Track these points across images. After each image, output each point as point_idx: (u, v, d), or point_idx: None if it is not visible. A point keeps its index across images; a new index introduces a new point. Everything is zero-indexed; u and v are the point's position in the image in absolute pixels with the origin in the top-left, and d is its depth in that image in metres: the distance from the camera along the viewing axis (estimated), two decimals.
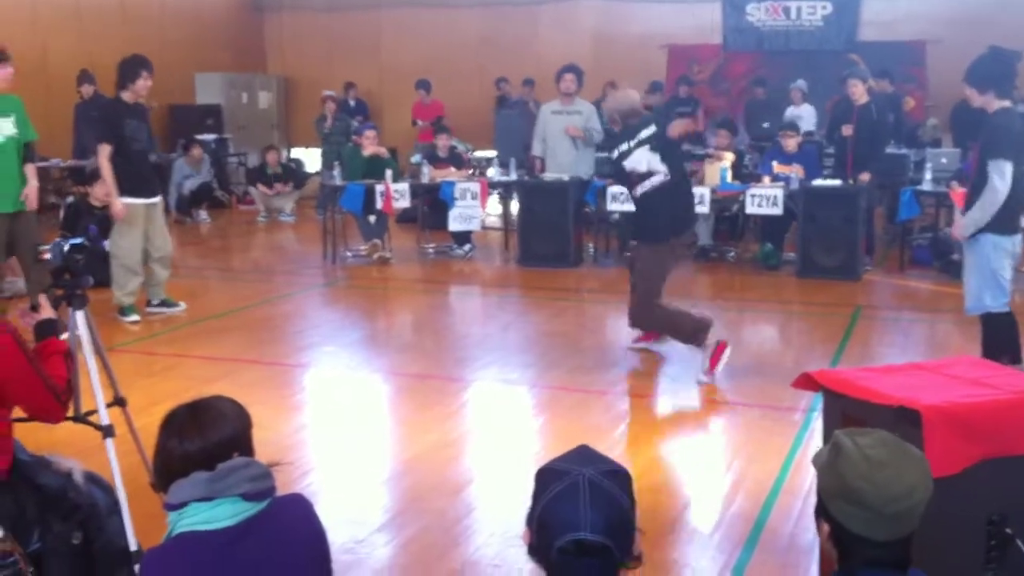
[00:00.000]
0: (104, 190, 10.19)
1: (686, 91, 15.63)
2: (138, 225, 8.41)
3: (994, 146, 5.86)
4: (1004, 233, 5.96)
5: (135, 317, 8.42)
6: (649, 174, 6.78)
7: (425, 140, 15.42)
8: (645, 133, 6.81)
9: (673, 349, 7.93)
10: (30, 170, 8.05)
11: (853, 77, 10.58)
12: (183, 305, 8.83)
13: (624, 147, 6.85)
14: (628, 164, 6.82)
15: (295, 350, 7.73)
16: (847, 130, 10.47)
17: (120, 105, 8.37)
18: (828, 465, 2.18)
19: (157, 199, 8.65)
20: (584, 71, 11.12)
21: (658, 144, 6.78)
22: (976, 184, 6.03)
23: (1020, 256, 6.35)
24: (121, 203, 8.26)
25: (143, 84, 8.30)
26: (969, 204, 6.09)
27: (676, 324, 6.89)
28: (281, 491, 2.50)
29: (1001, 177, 5.80)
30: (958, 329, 8.09)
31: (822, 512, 2.19)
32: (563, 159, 11.06)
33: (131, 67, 8.27)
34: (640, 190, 6.83)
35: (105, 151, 8.24)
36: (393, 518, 4.66)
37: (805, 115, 13.76)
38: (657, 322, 7.07)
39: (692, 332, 6.78)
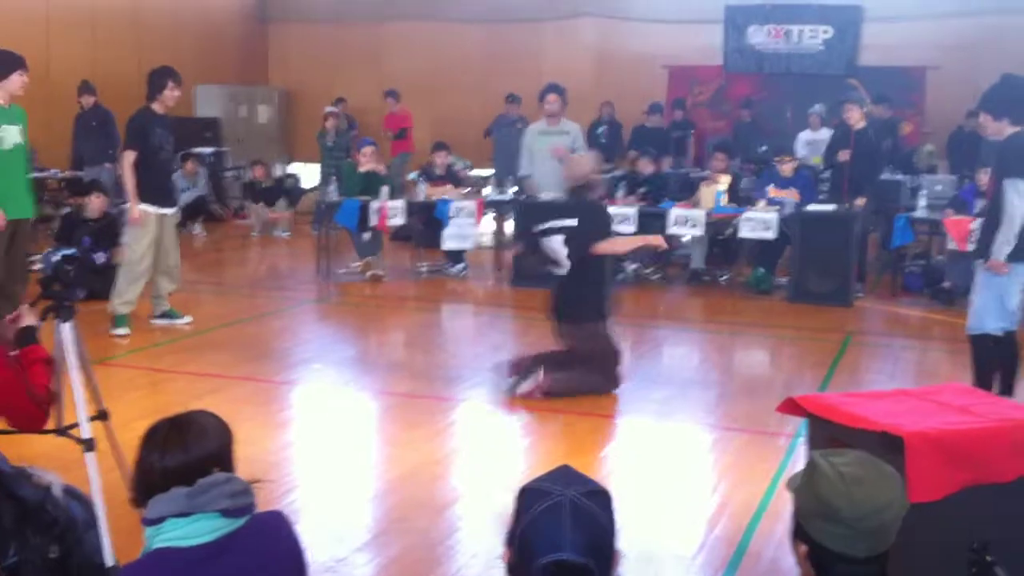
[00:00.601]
0: (101, 203, 10.25)
1: (680, 115, 15.67)
2: (149, 233, 8.47)
3: (1009, 166, 5.89)
4: (1021, 260, 5.99)
5: (125, 331, 8.38)
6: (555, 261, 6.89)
7: (396, 152, 15.47)
8: (566, 223, 6.83)
9: (661, 374, 7.94)
10: None
11: (850, 102, 10.63)
12: (188, 318, 8.84)
13: (546, 226, 6.92)
14: (545, 243, 6.91)
15: (284, 367, 7.71)
16: (844, 155, 10.50)
17: (149, 114, 8.50)
18: (804, 485, 2.19)
19: (172, 210, 8.76)
20: (566, 90, 11.09)
21: (570, 240, 6.79)
22: (992, 207, 6.06)
23: None
24: (139, 209, 8.34)
25: (170, 94, 8.45)
26: (988, 228, 6.08)
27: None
28: (265, 508, 2.50)
29: (1018, 195, 5.83)
30: (948, 357, 8.11)
31: (799, 533, 2.20)
32: (550, 179, 11.06)
33: (160, 77, 8.44)
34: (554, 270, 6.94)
35: (129, 158, 8.35)
36: (376, 537, 4.64)
37: (824, 140, 13.75)
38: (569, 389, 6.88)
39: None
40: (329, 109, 15.73)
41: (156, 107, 8.49)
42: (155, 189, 8.47)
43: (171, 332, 8.62)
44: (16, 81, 7.54)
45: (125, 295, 8.43)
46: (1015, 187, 5.85)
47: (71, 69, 14.84)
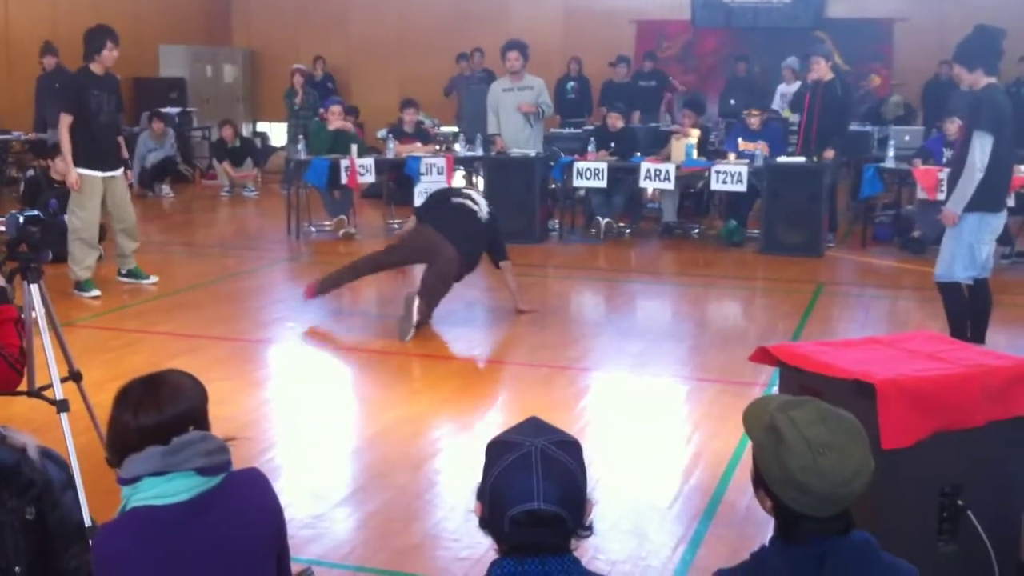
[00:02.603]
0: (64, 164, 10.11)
1: (650, 66, 15.64)
2: (94, 198, 8.30)
3: (979, 119, 5.93)
4: (991, 211, 6.06)
5: (95, 292, 8.31)
6: None
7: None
8: None
9: (635, 327, 7.98)
10: None
11: (816, 55, 10.63)
12: (154, 278, 8.77)
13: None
14: None
15: (258, 326, 7.69)
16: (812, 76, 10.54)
17: (86, 76, 8.27)
18: (770, 451, 2.13)
19: (117, 172, 8.51)
20: (528, 45, 11.07)
21: None
22: (959, 158, 6.11)
23: (999, 232, 6.44)
24: (76, 174, 8.16)
25: (109, 55, 8.19)
26: (952, 177, 6.16)
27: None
28: (242, 466, 2.49)
29: (982, 149, 5.88)
30: (919, 305, 8.19)
31: (763, 487, 2.18)
32: (516, 136, 11.06)
33: (97, 37, 8.18)
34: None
35: (65, 121, 8.14)
36: (354, 493, 4.66)
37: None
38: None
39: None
40: (297, 67, 15.56)
41: (94, 68, 8.22)
42: (94, 152, 8.22)
43: (142, 293, 8.56)
44: None
45: (83, 261, 8.32)
46: (981, 141, 5.89)
47: (31, 30, 14.61)
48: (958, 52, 6.13)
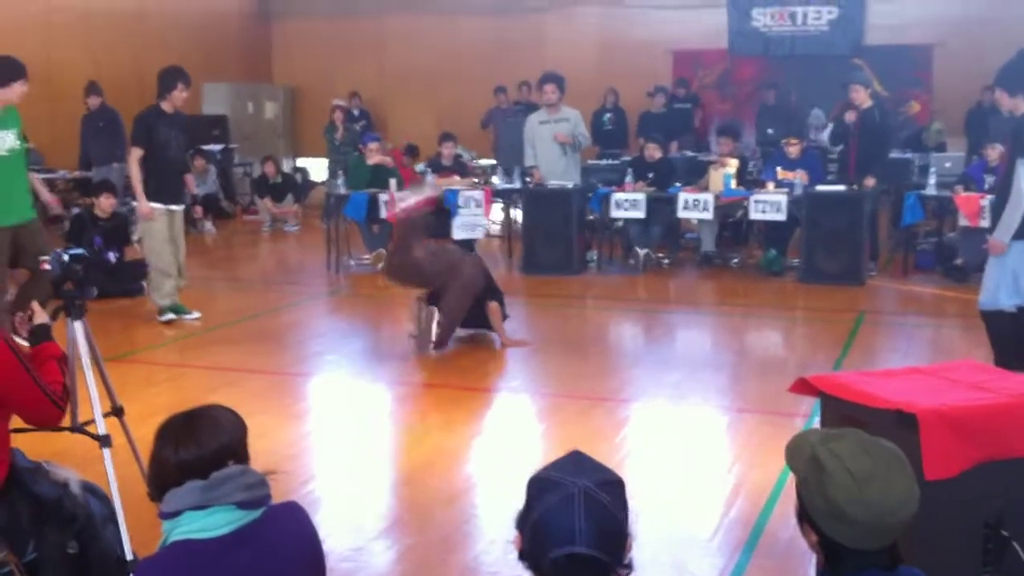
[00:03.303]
0: (110, 203, 10.29)
1: (683, 92, 15.64)
2: (162, 228, 8.62)
3: (1022, 146, 5.87)
4: None
5: (171, 316, 8.70)
6: None
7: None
8: None
9: (674, 357, 7.95)
10: (37, 180, 8.25)
11: (855, 82, 10.59)
12: (197, 313, 8.91)
13: None
14: None
15: (298, 359, 7.74)
16: (850, 115, 10.47)
17: (156, 113, 8.61)
18: (813, 483, 2.13)
19: (179, 207, 8.85)
20: (564, 78, 11.13)
21: None
22: (1003, 185, 6.04)
23: None
24: (147, 205, 8.51)
25: (179, 95, 8.57)
26: (997, 205, 6.10)
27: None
28: (281, 499, 2.50)
29: None
30: (962, 334, 8.09)
31: (807, 521, 2.16)
32: (553, 167, 11.09)
33: (170, 78, 8.58)
34: None
35: (135, 154, 8.52)
36: (392, 525, 4.66)
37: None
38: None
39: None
40: (336, 102, 15.72)
41: (165, 106, 8.60)
42: (162, 186, 8.58)
43: (185, 328, 8.64)
44: (16, 90, 7.45)
45: (162, 289, 8.70)
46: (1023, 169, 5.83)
47: (73, 70, 14.84)
48: (1000, 76, 6.08)
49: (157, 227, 8.61)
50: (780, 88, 15.61)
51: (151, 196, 8.52)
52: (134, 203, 8.92)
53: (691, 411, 6.39)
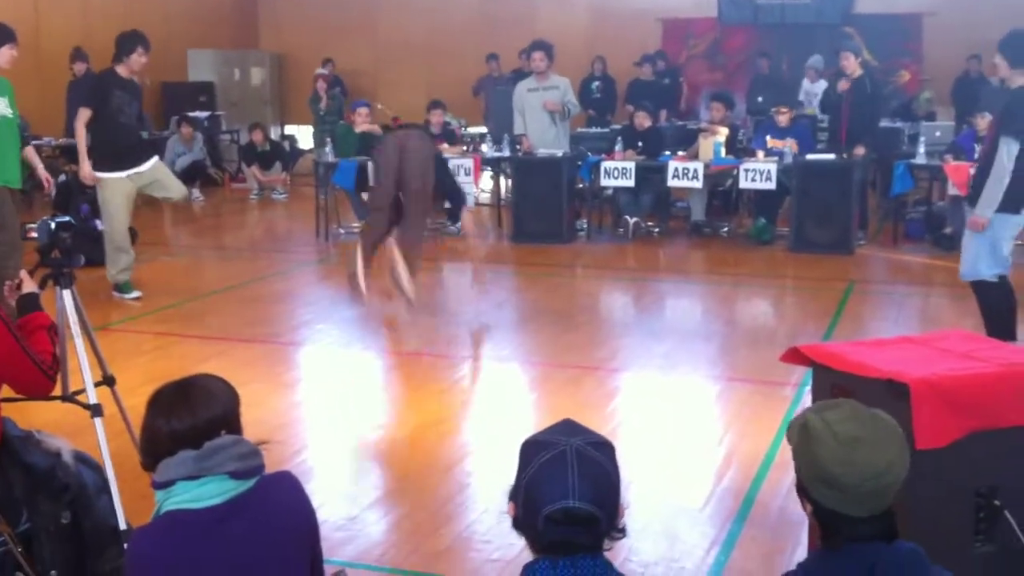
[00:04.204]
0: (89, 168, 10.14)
1: (662, 65, 15.58)
2: (119, 197, 8.25)
3: (1008, 122, 5.87)
4: (1012, 211, 5.99)
5: (136, 293, 8.39)
6: None
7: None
8: None
9: (664, 327, 7.96)
10: (33, 154, 8.07)
11: (846, 50, 10.56)
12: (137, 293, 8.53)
13: None
14: None
15: (288, 328, 7.72)
16: (844, 84, 10.44)
17: (110, 76, 8.28)
18: (802, 449, 2.16)
19: (143, 167, 8.35)
20: (553, 46, 11.07)
21: None
22: (987, 156, 6.04)
23: (1020, 228, 6.36)
24: (89, 168, 8.12)
25: (137, 60, 8.19)
26: (980, 176, 6.09)
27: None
28: (273, 468, 2.50)
29: (1008, 155, 5.82)
30: (951, 303, 8.12)
31: (803, 491, 2.18)
32: (543, 136, 11.06)
33: (128, 41, 8.20)
34: None
35: (84, 116, 8.12)
36: (386, 495, 4.67)
37: (820, 92, 13.70)
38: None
39: None
40: (319, 71, 15.62)
41: (120, 70, 8.21)
42: (112, 153, 8.18)
43: (174, 295, 8.58)
44: (5, 55, 7.37)
45: (118, 263, 8.35)
46: (1007, 146, 5.83)
47: (62, 37, 14.70)
48: (1005, 43, 6.01)
49: (113, 196, 8.19)
50: (772, 57, 15.56)
51: (107, 165, 8.13)
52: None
53: (681, 380, 6.41)
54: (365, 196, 11.44)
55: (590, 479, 2.00)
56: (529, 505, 2.03)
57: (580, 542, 2.02)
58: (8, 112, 7.48)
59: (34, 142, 13.93)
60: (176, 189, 8.67)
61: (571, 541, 2.02)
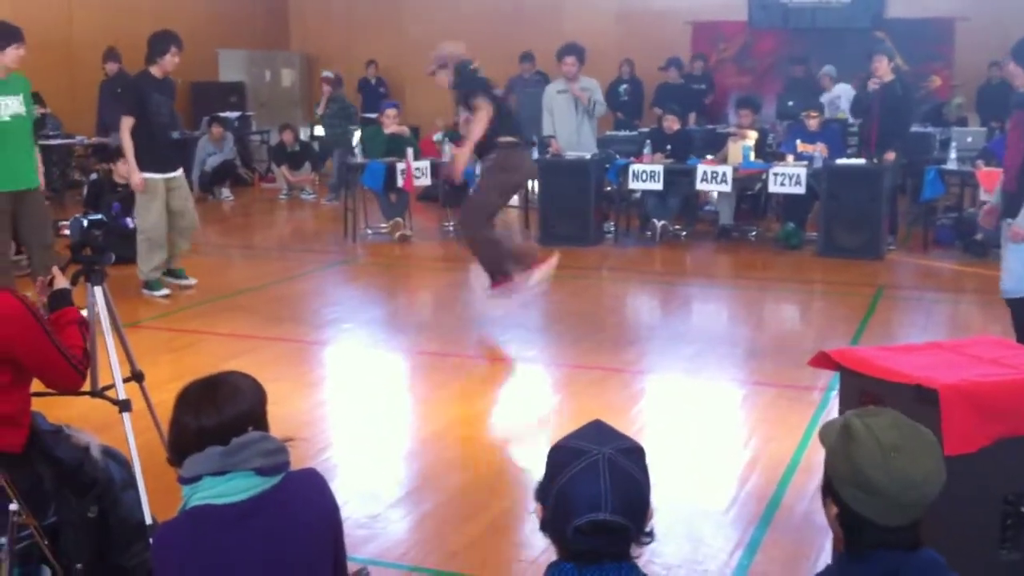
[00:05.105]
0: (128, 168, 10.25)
1: (700, 67, 15.53)
2: (158, 199, 8.38)
3: None
4: None
5: (164, 291, 8.47)
6: None
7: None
8: None
9: (691, 330, 7.92)
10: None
11: (878, 53, 10.49)
12: (193, 281, 8.81)
13: None
14: None
15: (315, 327, 7.75)
16: (874, 83, 10.34)
17: (146, 79, 8.39)
18: (840, 450, 2.13)
19: (176, 173, 8.58)
20: (584, 49, 11.04)
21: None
22: (1021, 165, 5.88)
23: None
24: (140, 176, 8.26)
25: (171, 60, 8.30)
26: (1015, 185, 5.90)
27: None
28: (298, 466, 2.51)
29: None
30: (981, 309, 8.05)
31: (830, 493, 2.16)
32: (571, 137, 11.05)
33: (161, 41, 8.29)
34: None
35: (127, 124, 8.26)
36: (409, 494, 4.68)
37: (842, 95, 13.60)
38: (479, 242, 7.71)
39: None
40: (325, 74, 15.65)
41: (154, 71, 8.33)
42: (154, 156, 8.32)
43: (202, 294, 8.64)
44: (10, 54, 7.40)
45: (152, 261, 8.44)
46: None
47: (93, 36, 14.83)
48: (1017, 50, 5.91)
49: (152, 199, 8.32)
50: (806, 62, 15.46)
51: (147, 167, 8.26)
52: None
53: (707, 384, 6.38)
54: (393, 197, 11.49)
55: (621, 490, 1.99)
56: (559, 513, 2.02)
57: (608, 550, 2.02)
58: (21, 110, 7.51)
59: (67, 141, 14.14)
60: (188, 218, 8.73)
61: (600, 550, 2.02)
